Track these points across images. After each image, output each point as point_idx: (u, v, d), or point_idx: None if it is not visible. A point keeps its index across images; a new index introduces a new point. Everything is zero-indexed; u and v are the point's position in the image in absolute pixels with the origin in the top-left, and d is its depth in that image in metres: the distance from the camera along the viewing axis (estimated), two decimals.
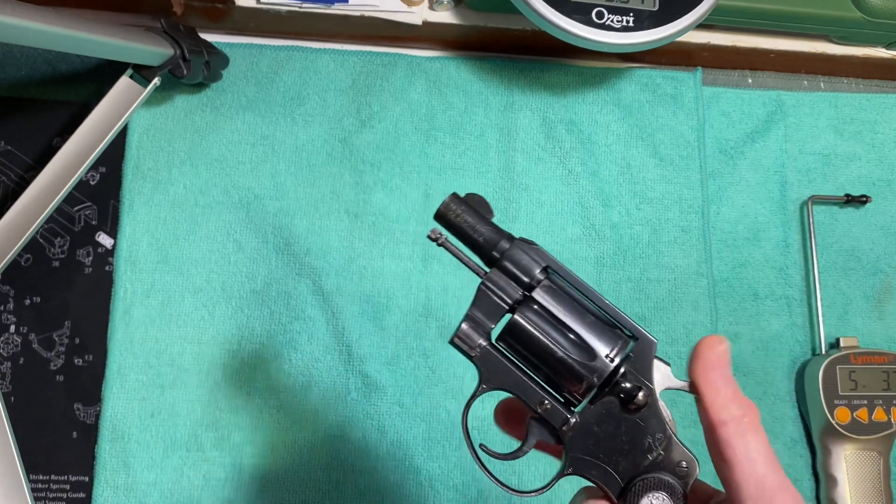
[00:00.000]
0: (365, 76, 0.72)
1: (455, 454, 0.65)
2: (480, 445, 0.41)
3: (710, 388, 0.35)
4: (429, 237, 0.40)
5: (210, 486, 0.63)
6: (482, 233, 0.39)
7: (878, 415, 0.67)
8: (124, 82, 0.62)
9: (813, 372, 0.68)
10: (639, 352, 0.38)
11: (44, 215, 0.59)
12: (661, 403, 0.38)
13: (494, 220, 0.41)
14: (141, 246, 0.67)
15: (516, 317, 0.38)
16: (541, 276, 0.39)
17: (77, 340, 0.65)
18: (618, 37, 0.64)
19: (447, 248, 0.40)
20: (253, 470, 0.64)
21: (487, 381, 0.39)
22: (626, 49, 0.65)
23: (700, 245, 0.72)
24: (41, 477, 0.63)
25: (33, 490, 0.62)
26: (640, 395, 0.37)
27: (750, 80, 0.78)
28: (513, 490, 0.40)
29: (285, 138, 0.70)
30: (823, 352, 0.70)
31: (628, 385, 0.37)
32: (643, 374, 0.38)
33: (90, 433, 0.64)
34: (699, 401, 0.36)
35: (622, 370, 0.38)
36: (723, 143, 0.75)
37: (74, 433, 0.64)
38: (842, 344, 0.70)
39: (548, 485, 0.40)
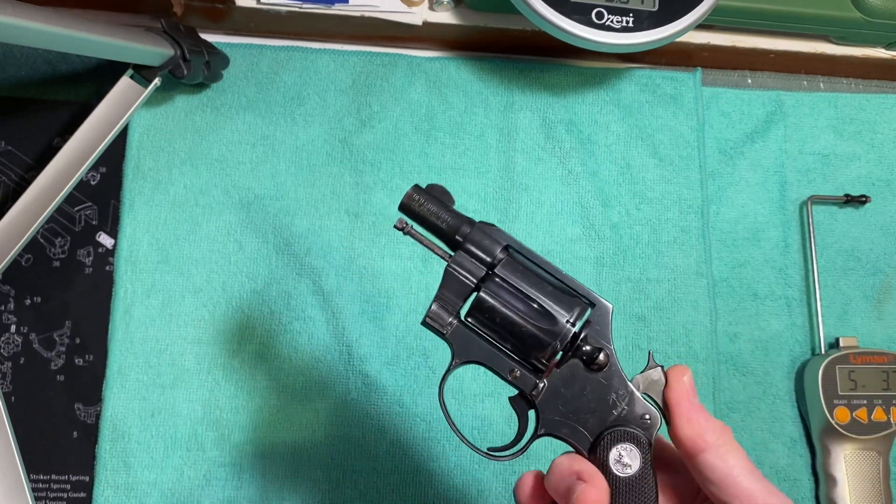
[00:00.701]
0: (365, 76, 0.73)
1: (455, 454, 0.65)
2: (489, 448, 0.43)
3: (681, 418, 0.38)
4: (395, 227, 0.43)
5: (210, 485, 0.63)
6: (445, 219, 0.42)
7: (878, 415, 0.67)
8: (125, 82, 0.62)
9: (812, 372, 0.68)
10: (597, 317, 0.41)
11: (44, 215, 0.59)
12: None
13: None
14: (141, 246, 0.67)
15: (481, 293, 0.41)
16: (502, 255, 0.41)
17: (77, 340, 0.65)
18: (617, 37, 0.64)
19: (413, 236, 0.43)
20: (253, 470, 0.64)
21: (460, 356, 0.42)
22: (626, 49, 0.65)
23: (700, 245, 0.72)
24: (41, 477, 0.63)
25: (34, 490, 0.62)
26: (601, 356, 0.40)
27: (749, 81, 0.78)
28: (486, 453, 0.42)
29: (285, 138, 0.71)
30: (823, 352, 0.70)
31: (589, 347, 0.40)
32: (602, 337, 0.41)
33: (90, 433, 0.64)
34: (672, 430, 0.39)
35: (583, 334, 0.40)
36: (722, 143, 0.75)
37: (75, 433, 0.64)
38: (841, 344, 0.70)
39: (522, 448, 0.42)
